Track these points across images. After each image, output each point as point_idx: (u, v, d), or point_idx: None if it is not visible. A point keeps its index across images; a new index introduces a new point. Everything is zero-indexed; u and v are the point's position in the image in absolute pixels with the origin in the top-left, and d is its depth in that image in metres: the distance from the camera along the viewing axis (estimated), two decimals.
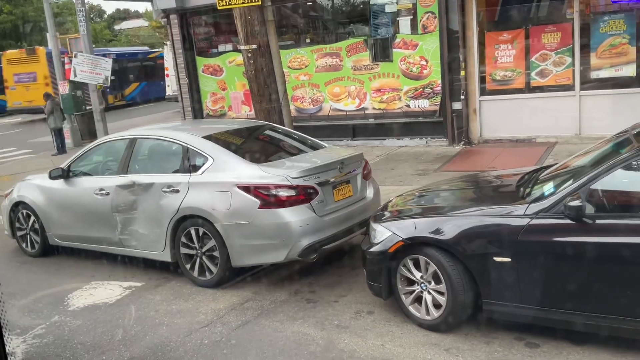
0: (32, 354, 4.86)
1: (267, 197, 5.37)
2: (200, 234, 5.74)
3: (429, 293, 4.48)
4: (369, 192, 6.25)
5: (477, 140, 11.41)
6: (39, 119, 26.49)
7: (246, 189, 5.43)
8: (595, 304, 3.88)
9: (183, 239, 5.87)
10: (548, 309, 4.02)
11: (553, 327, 4.12)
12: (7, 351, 2.80)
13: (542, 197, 4.14)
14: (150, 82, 31.76)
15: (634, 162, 3.94)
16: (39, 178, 7.45)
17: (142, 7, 71.00)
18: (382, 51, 12.06)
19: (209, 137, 6.09)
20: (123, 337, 4.99)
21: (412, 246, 4.50)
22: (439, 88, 11.54)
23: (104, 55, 14.91)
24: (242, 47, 8.37)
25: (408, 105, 12.00)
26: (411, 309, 4.62)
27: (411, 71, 11.81)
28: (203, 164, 5.83)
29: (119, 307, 5.65)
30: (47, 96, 17.21)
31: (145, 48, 37.66)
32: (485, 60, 11.16)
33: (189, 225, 5.80)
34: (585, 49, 10.35)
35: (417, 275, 4.52)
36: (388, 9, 11.86)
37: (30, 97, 25.77)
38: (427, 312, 4.51)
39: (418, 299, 4.58)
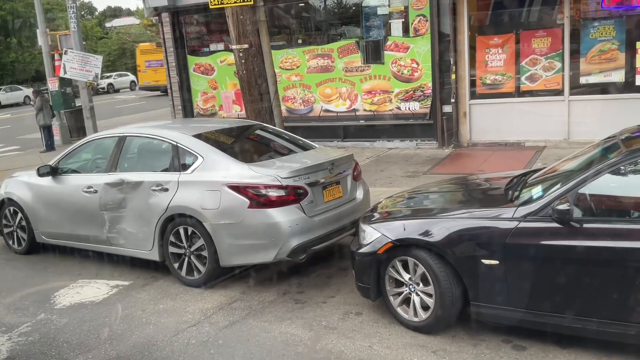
0: (17, 352, 4.82)
1: (256, 197, 5.36)
2: (189, 233, 5.72)
3: (417, 295, 4.50)
4: (359, 194, 6.26)
5: (467, 143, 11.46)
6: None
7: (236, 188, 5.42)
8: (581, 307, 3.90)
9: (171, 238, 5.84)
10: (535, 311, 4.04)
11: (540, 330, 4.14)
12: None
13: (530, 201, 4.16)
14: None
15: (621, 167, 3.98)
16: (27, 175, 7.39)
17: (133, 5, 70.78)
18: (373, 53, 12.08)
19: (199, 136, 6.07)
20: (109, 336, 4.96)
21: (401, 248, 4.50)
22: (430, 91, 11.58)
23: None
24: (233, 47, 8.36)
25: (399, 108, 12.03)
26: (399, 310, 4.63)
27: (402, 73, 11.85)
28: (193, 163, 5.81)
29: (105, 305, 5.62)
30: (36, 93, 17.09)
31: None
32: (475, 64, 11.21)
33: (177, 224, 5.78)
34: (575, 54, 10.43)
35: (406, 276, 4.53)
36: (380, 11, 11.89)
37: (157, 78, 32.77)
38: (415, 313, 4.52)
39: (406, 301, 4.59)
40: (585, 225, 3.88)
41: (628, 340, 3.84)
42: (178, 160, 5.94)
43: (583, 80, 10.45)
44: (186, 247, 5.78)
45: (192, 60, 14.47)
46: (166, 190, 5.81)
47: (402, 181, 9.20)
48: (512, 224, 4.05)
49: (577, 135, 10.49)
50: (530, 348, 4.17)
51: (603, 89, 10.32)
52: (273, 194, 5.37)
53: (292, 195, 5.42)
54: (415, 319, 4.52)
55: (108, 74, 46.14)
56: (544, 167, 5.17)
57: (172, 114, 15.27)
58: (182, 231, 5.76)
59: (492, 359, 4.11)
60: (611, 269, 3.80)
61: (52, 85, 16.98)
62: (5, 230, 7.51)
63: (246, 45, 8.13)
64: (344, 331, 4.68)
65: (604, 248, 3.80)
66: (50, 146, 16.06)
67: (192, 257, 5.77)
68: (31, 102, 20.08)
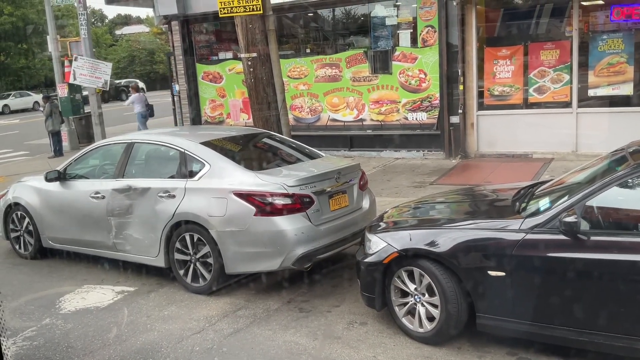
0: (22, 356, 4.83)
1: (262, 205, 5.36)
2: (195, 240, 5.73)
3: (423, 305, 4.48)
4: (365, 203, 6.25)
5: (474, 154, 11.44)
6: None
7: (242, 196, 5.43)
8: (588, 321, 3.88)
9: (177, 245, 5.85)
10: (541, 324, 4.02)
11: (546, 343, 4.11)
12: (3, 351, 2.79)
13: (537, 212, 4.15)
14: None
15: (629, 180, 3.96)
16: (35, 180, 7.42)
17: (143, 13, 71.30)
18: (381, 63, 12.12)
19: (206, 143, 6.09)
20: (114, 342, 4.96)
21: (407, 258, 4.49)
22: (437, 101, 11.59)
23: None
24: (242, 55, 8.40)
25: (406, 118, 12.04)
26: (404, 321, 4.61)
27: (410, 84, 11.86)
28: (200, 170, 5.82)
29: (110, 311, 5.62)
30: (46, 99, 17.22)
31: None
32: (483, 75, 11.21)
33: (183, 231, 5.79)
34: (583, 66, 10.41)
35: (411, 287, 4.52)
36: (388, 21, 11.94)
37: None
38: (420, 324, 4.50)
39: (411, 311, 4.57)
40: (592, 238, 3.86)
41: (635, 355, 3.80)
42: (185, 167, 5.96)
43: (591, 92, 10.43)
44: (192, 253, 5.79)
45: (201, 69, 14.55)
46: (173, 196, 5.83)
47: (409, 191, 9.19)
48: (519, 236, 4.04)
49: (585, 147, 10.46)
50: None
51: (611, 101, 10.28)
52: (279, 202, 5.37)
53: (298, 204, 5.42)
54: (421, 330, 4.50)
55: (117, 81, 46.41)
56: (552, 179, 5.15)
57: (180, 121, 15.35)
58: (188, 238, 5.77)
59: None
60: (618, 282, 3.77)
61: (62, 91, 17.11)
62: (13, 235, 7.54)
63: (255, 54, 8.17)
64: (349, 341, 4.66)
65: (611, 261, 3.78)
66: (58, 152, 16.15)
67: (197, 264, 5.78)
68: (40, 108, 20.30)
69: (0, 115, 37.29)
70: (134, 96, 16.29)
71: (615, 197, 4.00)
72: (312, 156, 6.55)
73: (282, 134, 7.96)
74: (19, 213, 7.38)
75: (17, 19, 44.84)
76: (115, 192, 6.30)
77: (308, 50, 13.27)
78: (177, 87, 15.13)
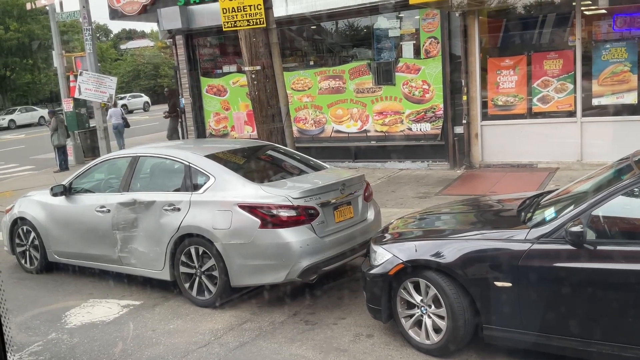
0: None
1: (267, 217, 5.36)
2: (200, 253, 5.73)
3: (429, 317, 4.45)
4: (370, 214, 6.24)
5: (479, 164, 11.42)
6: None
7: (247, 208, 5.43)
8: (596, 331, 3.85)
9: (182, 258, 5.85)
10: (549, 335, 3.99)
11: (553, 354, 4.08)
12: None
13: (543, 222, 4.13)
14: None
15: (635, 189, 3.94)
16: (41, 194, 7.45)
17: (148, 28, 71.84)
18: (384, 75, 12.15)
19: (211, 156, 6.11)
20: (120, 356, 4.94)
21: (413, 269, 4.47)
22: (441, 112, 11.60)
23: None
24: (246, 69, 8.44)
25: (410, 129, 12.04)
26: (411, 332, 4.58)
27: (413, 95, 11.88)
28: (205, 183, 5.83)
29: (116, 325, 5.62)
30: (52, 113, 17.33)
31: None
32: (487, 85, 11.22)
33: (188, 244, 5.79)
34: (587, 76, 10.40)
35: (418, 298, 4.50)
36: (391, 33, 11.99)
37: None
38: (427, 336, 4.47)
39: (418, 323, 4.54)
40: (599, 248, 3.84)
41: None
42: (190, 180, 5.97)
43: (595, 101, 10.42)
44: (197, 267, 5.78)
45: (205, 82, 14.62)
46: (178, 210, 5.83)
47: (414, 202, 9.17)
48: (524, 246, 4.02)
49: (590, 156, 10.43)
50: None
51: (616, 110, 10.27)
52: (284, 214, 5.37)
53: (303, 216, 5.42)
54: (427, 342, 4.47)
55: (122, 95, 46.66)
56: (557, 189, 5.14)
57: (184, 134, 15.40)
58: (193, 251, 5.77)
59: None
60: (625, 292, 3.75)
61: (67, 106, 17.22)
62: (18, 250, 7.55)
63: (258, 67, 8.20)
64: (355, 354, 4.63)
65: (618, 270, 3.75)
66: (64, 166, 16.21)
67: (202, 277, 5.77)
68: (46, 123, 20.44)
69: (7, 130, 37.51)
70: (110, 110, 17.21)
71: (621, 206, 3.98)
72: (316, 168, 6.56)
73: (286, 146, 7.97)
74: (24, 227, 7.39)
75: (22, 35, 45.23)
76: (121, 206, 6.31)
77: (311, 63, 13.32)
78: (183, 101, 15.31)
